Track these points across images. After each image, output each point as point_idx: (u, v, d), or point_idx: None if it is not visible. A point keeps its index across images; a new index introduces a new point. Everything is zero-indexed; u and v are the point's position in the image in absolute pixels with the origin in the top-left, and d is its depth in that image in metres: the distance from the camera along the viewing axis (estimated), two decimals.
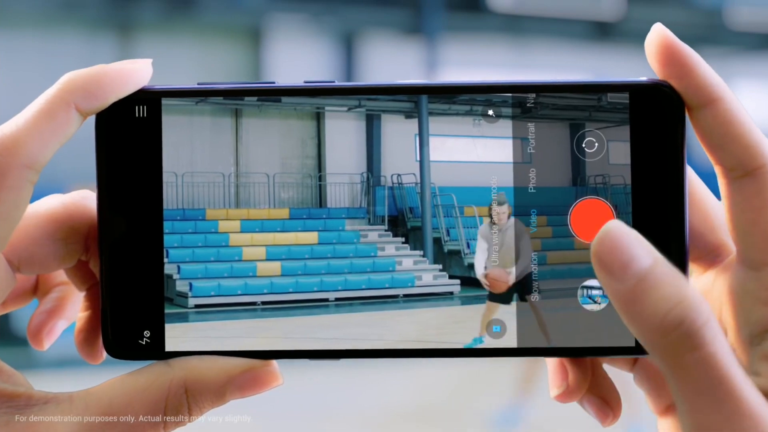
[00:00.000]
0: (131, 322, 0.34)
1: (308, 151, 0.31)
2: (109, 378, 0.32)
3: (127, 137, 0.34)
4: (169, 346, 0.34)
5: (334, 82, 0.35)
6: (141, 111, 0.34)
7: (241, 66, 7.13)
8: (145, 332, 0.34)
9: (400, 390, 4.01)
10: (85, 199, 0.35)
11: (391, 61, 7.44)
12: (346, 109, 0.31)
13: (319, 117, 0.31)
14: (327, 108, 0.31)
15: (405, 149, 0.31)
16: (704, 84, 0.30)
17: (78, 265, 0.35)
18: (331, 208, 0.31)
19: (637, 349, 0.33)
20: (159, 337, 0.34)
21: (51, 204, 0.34)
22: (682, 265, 0.32)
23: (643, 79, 0.33)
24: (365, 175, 0.31)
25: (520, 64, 7.62)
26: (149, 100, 0.34)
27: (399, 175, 0.34)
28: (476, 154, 0.32)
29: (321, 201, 0.31)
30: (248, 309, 0.30)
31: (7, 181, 0.29)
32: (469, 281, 0.30)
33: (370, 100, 0.33)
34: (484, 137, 0.30)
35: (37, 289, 0.39)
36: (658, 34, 0.31)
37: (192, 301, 0.31)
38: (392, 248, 0.33)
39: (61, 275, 0.38)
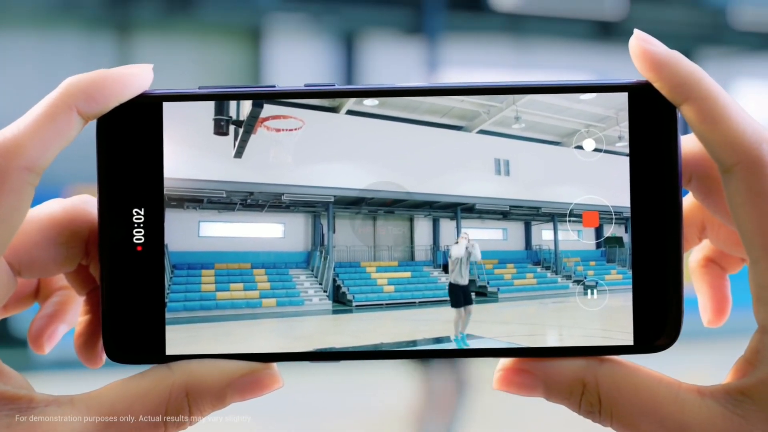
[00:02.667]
0: (132, 326, 0.34)
1: (407, 235, 0.64)
2: (109, 381, 0.32)
3: (129, 141, 0.34)
4: (170, 349, 0.35)
5: (334, 85, 0.41)
6: (142, 115, 0.34)
7: (241, 66, 7.32)
8: (146, 336, 0.34)
9: (401, 390, 4.12)
10: (85, 203, 0.35)
11: (392, 60, 7.73)
12: (423, 215, 0.65)
13: (411, 220, 0.64)
14: (414, 215, 0.64)
15: (450, 234, 0.64)
16: (674, 85, 0.31)
17: (78, 270, 0.35)
18: (416, 261, 0.64)
19: (636, 348, 0.35)
20: (159, 341, 0.35)
21: (52, 208, 0.34)
22: (677, 257, 0.33)
23: (626, 80, 0.35)
24: (432, 245, 0.64)
25: (522, 64, 7.83)
26: (150, 104, 0.34)
27: (447, 245, 0.68)
28: (482, 235, 0.65)
29: (412, 257, 0.64)
30: (379, 307, 0.62)
31: (7, 184, 0.28)
32: (480, 293, 0.62)
33: (434, 212, 0.67)
34: (485, 228, 0.63)
35: (38, 294, 0.38)
36: (635, 38, 0.32)
37: (354, 304, 0.61)
38: (443, 278, 0.66)
39: (61, 280, 0.37)
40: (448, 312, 0.53)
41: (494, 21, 7.54)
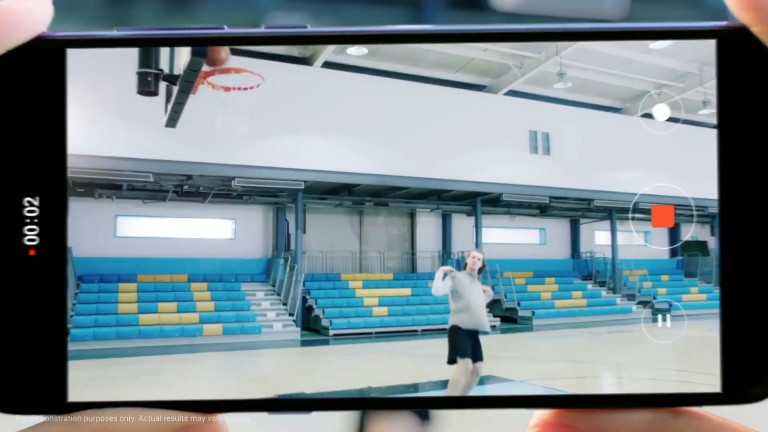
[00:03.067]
0: (21, 362, 0.33)
1: (406, 236, 0.67)
2: None
3: (19, 103, 0.33)
4: (74, 394, 0.34)
5: (306, 27, 0.39)
6: (38, 66, 0.33)
7: None
8: (40, 376, 0.34)
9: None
10: None
11: None
12: (429, 210, 0.67)
13: (412, 215, 0.67)
14: (417, 209, 0.67)
15: (466, 235, 0.67)
16: None
17: None
18: (419, 273, 0.66)
19: (726, 397, 0.34)
20: (59, 383, 0.34)
21: None
22: None
23: (714, 24, 0.37)
24: (441, 251, 0.67)
25: None
26: (49, 51, 0.34)
27: (462, 251, 0.70)
28: (511, 238, 0.67)
29: (413, 268, 0.66)
30: (366, 337, 0.65)
31: None
32: (507, 319, 0.65)
33: (444, 204, 0.68)
34: (516, 228, 0.66)
35: None
36: None
37: (332, 332, 0.63)
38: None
39: None
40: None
41: (494, 20, 8.68)
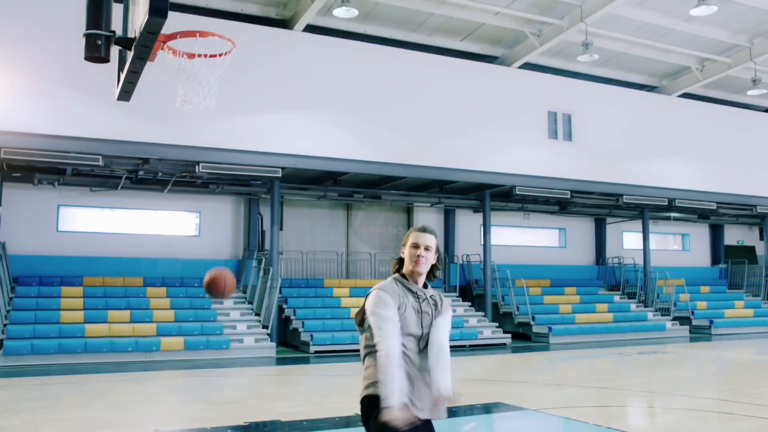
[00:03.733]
0: None
1: (402, 236, 0.67)
2: None
3: None
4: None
5: None
6: None
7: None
8: None
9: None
10: None
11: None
12: (429, 204, 0.68)
13: (409, 210, 0.67)
14: (415, 203, 0.68)
15: (472, 235, 0.67)
16: None
17: None
18: None
19: None
20: None
21: None
22: None
23: None
24: (442, 254, 0.68)
25: None
26: None
27: (467, 255, 0.71)
28: (525, 239, 0.68)
29: None
30: (354, 355, 0.65)
31: None
32: (519, 335, 0.65)
33: (447, 198, 0.69)
34: (531, 227, 0.67)
35: None
36: None
37: (313, 348, 0.63)
38: (461, 310, 0.70)
39: None
40: (468, 364, 0.57)
41: None
